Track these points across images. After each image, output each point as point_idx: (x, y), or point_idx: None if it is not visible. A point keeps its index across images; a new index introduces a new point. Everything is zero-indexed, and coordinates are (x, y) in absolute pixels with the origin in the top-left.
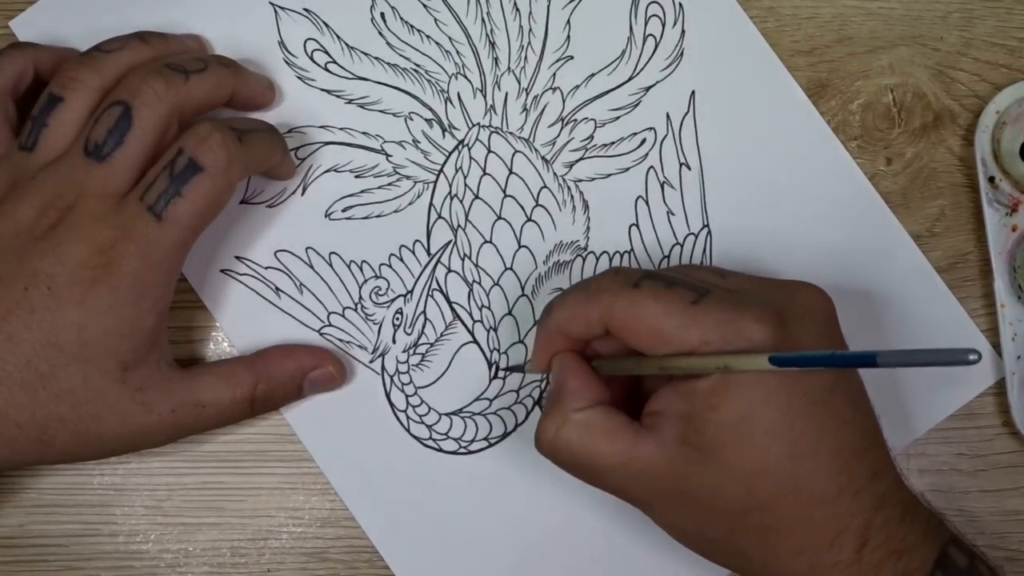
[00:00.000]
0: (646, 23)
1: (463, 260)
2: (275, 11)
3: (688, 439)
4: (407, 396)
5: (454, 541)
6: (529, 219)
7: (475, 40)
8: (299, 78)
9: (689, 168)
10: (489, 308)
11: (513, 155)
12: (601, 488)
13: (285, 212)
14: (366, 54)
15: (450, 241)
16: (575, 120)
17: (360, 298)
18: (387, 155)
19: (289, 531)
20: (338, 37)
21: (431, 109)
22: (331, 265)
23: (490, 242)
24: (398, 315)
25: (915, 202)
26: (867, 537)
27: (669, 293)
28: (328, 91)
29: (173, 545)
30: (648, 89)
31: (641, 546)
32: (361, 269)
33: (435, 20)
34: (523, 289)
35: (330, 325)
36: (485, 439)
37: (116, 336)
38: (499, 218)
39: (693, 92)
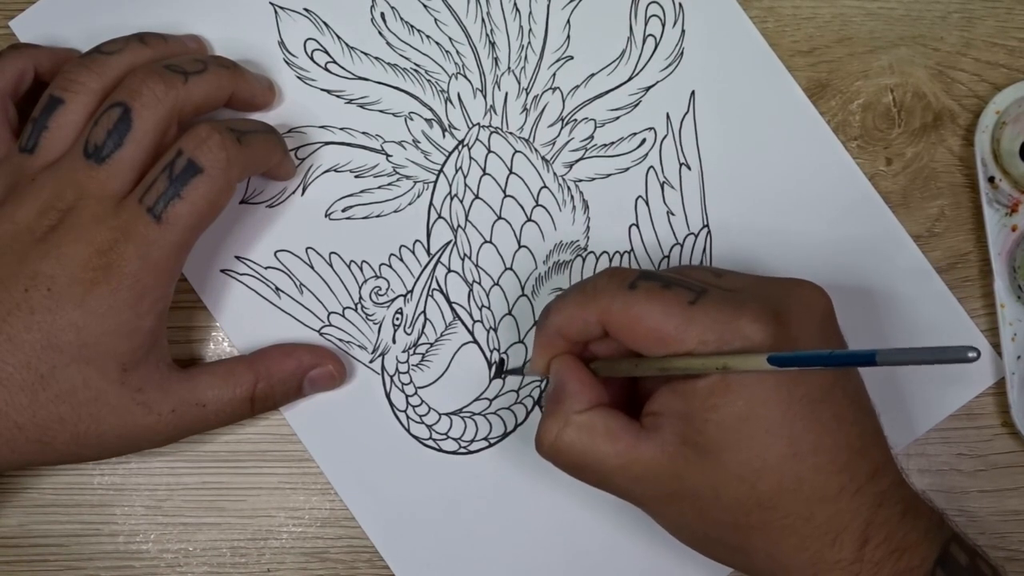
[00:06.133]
0: (646, 23)
1: (463, 260)
2: (275, 11)
3: (688, 439)
4: (407, 396)
5: (454, 541)
6: (529, 219)
7: (475, 40)
8: (299, 78)
9: (689, 168)
10: (489, 308)
11: (513, 155)
12: (603, 490)
13: (285, 212)
14: (366, 54)
15: (450, 241)
16: (575, 120)
17: (360, 298)
18: (387, 155)
19: (289, 531)
20: (338, 37)
21: (431, 109)
22: (331, 265)
23: (490, 242)
24: (398, 315)
25: (915, 202)
26: (868, 535)
27: (666, 294)
28: (328, 91)
29: (173, 545)
30: (648, 89)
31: (642, 545)
32: (361, 269)
33: (435, 20)
34: (523, 289)
35: (330, 325)
36: (485, 439)
37: (115, 337)
38: (499, 218)
39: (693, 92)
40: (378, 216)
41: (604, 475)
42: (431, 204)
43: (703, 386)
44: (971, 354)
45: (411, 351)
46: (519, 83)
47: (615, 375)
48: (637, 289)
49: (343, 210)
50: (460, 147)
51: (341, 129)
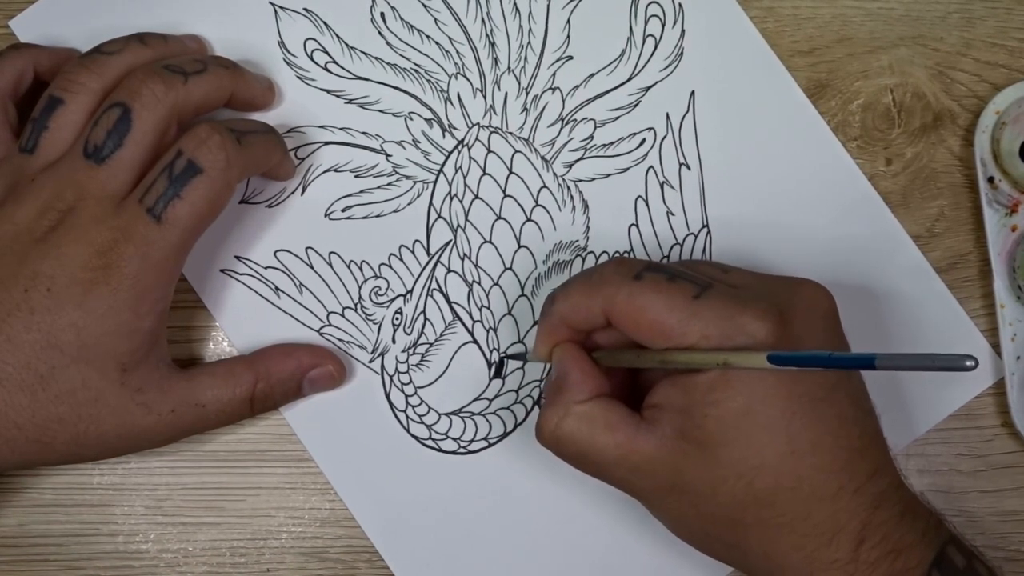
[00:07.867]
0: (646, 23)
1: (463, 260)
2: (275, 11)
3: (687, 434)
4: (407, 396)
5: (454, 541)
6: (529, 219)
7: (475, 40)
8: (299, 78)
9: (689, 168)
10: (489, 308)
11: (513, 155)
12: (601, 479)
13: (285, 212)
14: (366, 54)
15: (450, 241)
16: (575, 120)
17: (360, 298)
18: (387, 155)
19: (289, 531)
20: (338, 37)
21: (431, 109)
22: (331, 265)
23: (490, 242)
24: (398, 315)
25: (915, 202)
26: (865, 535)
27: (671, 286)
28: (328, 91)
29: (173, 545)
30: (648, 89)
31: (641, 545)
32: (361, 269)
33: (435, 20)
34: (523, 289)
35: (330, 325)
36: (485, 439)
37: (115, 337)
38: (499, 218)
39: (693, 92)
40: (378, 216)
41: (603, 466)
42: (431, 204)
43: (703, 380)
44: (969, 363)
45: (411, 351)
46: (519, 83)
47: (617, 365)
48: (642, 280)
49: (343, 210)
50: (460, 147)
51: (341, 129)
